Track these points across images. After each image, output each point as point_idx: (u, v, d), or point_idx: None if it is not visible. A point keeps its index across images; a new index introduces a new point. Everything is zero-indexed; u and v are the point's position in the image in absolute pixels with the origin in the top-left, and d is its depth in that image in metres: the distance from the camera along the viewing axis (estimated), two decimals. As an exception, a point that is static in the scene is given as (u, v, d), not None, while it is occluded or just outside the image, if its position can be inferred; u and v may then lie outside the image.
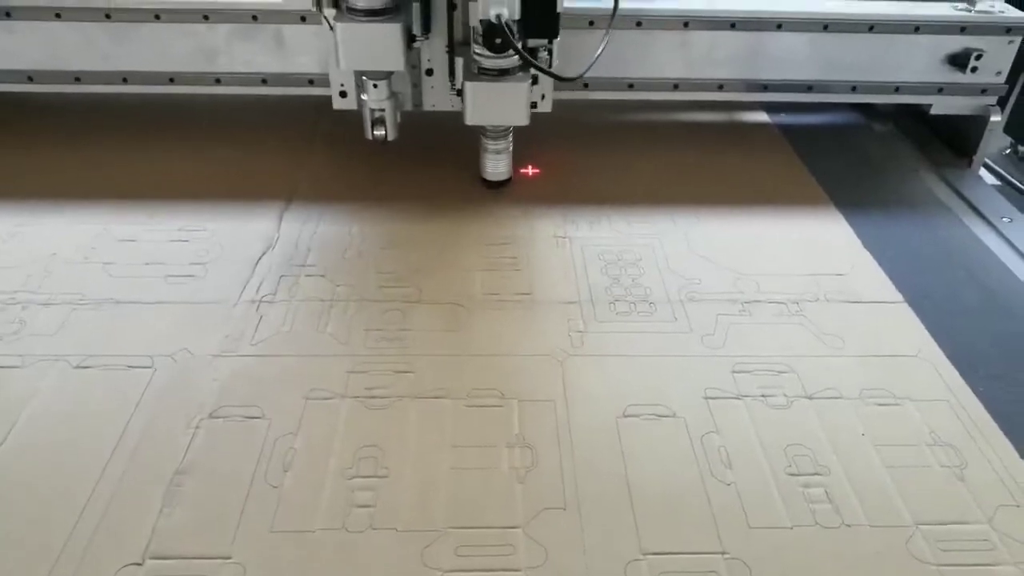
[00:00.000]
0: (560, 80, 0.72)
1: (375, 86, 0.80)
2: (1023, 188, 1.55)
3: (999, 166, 1.63)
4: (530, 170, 0.92)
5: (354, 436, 0.59)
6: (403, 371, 0.65)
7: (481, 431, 0.60)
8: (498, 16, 0.67)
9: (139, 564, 0.50)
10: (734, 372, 0.65)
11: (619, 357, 0.67)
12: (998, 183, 0.99)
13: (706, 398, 0.63)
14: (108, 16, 0.90)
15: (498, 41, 0.68)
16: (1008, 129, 1.73)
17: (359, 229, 0.83)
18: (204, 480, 0.56)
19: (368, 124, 0.83)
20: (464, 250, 0.80)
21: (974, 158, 0.99)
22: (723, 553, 0.52)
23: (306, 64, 0.93)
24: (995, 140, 0.99)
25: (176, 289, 0.73)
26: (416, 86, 0.88)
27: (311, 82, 0.94)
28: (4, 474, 0.56)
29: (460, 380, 0.64)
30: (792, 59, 0.96)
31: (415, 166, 0.93)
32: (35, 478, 0.55)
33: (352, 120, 0.90)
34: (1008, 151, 1.74)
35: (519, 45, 0.69)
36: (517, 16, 0.68)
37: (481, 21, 0.69)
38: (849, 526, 0.53)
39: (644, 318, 0.71)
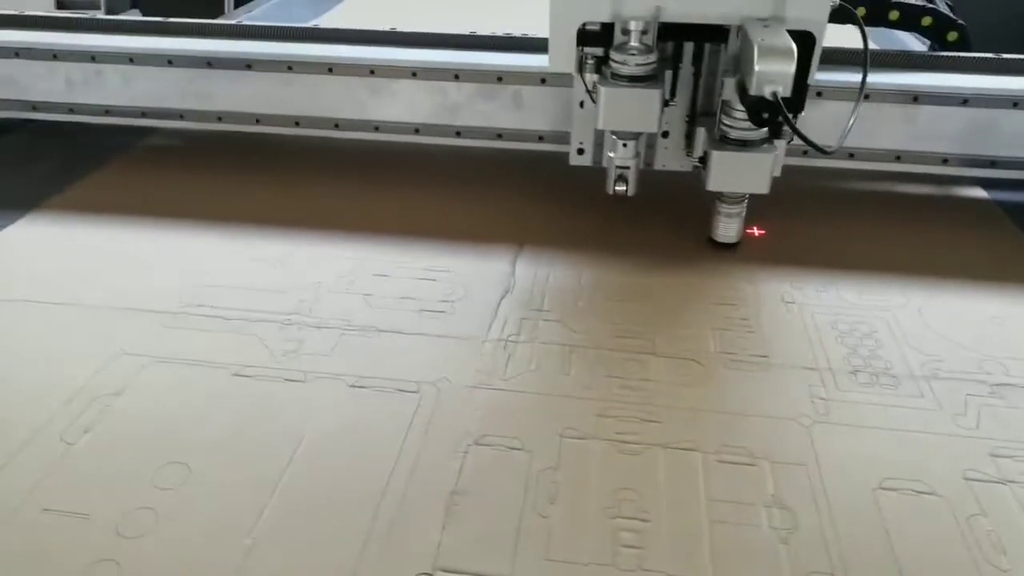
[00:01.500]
0: (821, 153, 0.74)
1: (624, 145, 0.86)
2: None
3: None
4: (755, 231, 0.94)
5: (610, 477, 0.62)
6: (649, 420, 0.68)
7: (735, 488, 0.61)
8: (774, 93, 0.70)
9: (430, 574, 0.55)
10: (993, 456, 0.64)
11: (868, 429, 0.67)
12: None
13: (967, 479, 0.62)
14: (372, 72, 1.01)
15: (766, 116, 0.71)
16: None
17: (588, 279, 0.87)
18: (479, 502, 0.60)
19: (611, 179, 0.88)
20: (693, 307, 0.82)
21: None
22: (1006, 642, 0.51)
23: (539, 122, 1.00)
24: None
25: (430, 323, 0.80)
26: (651, 146, 0.93)
27: (541, 138, 1.01)
28: (299, 483, 0.62)
29: (707, 435, 0.66)
30: (1025, 137, 0.94)
31: (640, 221, 0.97)
32: (328, 487, 0.62)
33: (578, 174, 0.96)
34: None
35: (790, 119, 0.71)
36: (789, 93, 0.71)
37: (748, 96, 0.72)
38: None
39: (889, 391, 0.71)
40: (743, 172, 0.82)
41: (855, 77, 0.92)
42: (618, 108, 0.81)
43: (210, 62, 1.05)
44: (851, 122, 0.80)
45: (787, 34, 0.73)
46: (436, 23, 1.12)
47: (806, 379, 0.72)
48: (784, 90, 0.70)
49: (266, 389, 0.72)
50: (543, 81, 0.98)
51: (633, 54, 0.79)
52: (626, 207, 0.96)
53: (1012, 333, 0.79)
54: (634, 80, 0.80)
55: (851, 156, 0.97)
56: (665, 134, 0.92)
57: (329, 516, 0.59)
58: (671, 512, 0.59)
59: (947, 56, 1.00)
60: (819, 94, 0.94)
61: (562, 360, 0.75)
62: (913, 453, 0.64)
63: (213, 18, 1.34)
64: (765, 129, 0.80)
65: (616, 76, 0.80)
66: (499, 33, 1.07)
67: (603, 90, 0.80)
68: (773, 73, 0.70)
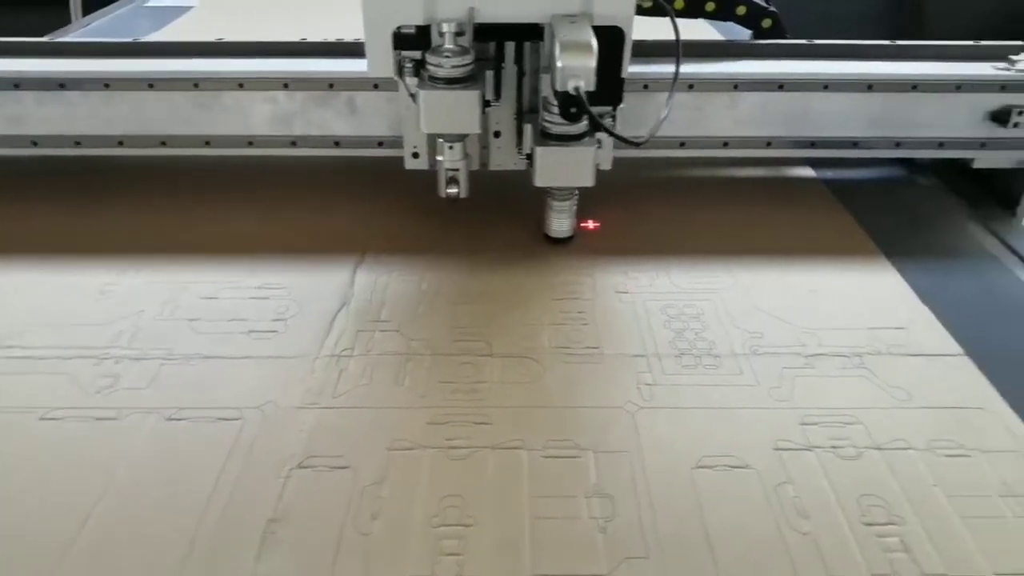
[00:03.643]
0: (629, 144, 0.76)
1: (451, 147, 0.85)
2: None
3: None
4: (591, 224, 0.96)
5: (437, 485, 0.62)
6: (480, 423, 0.68)
7: (559, 481, 0.62)
8: (576, 88, 0.71)
9: (242, 609, 0.53)
10: (803, 424, 0.67)
11: (689, 410, 0.69)
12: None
13: (777, 449, 0.64)
14: (196, 85, 0.97)
15: (573, 111, 0.72)
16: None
17: (429, 284, 0.86)
18: (298, 528, 0.58)
19: (442, 183, 0.88)
20: (531, 304, 0.83)
21: (1018, 210, 1.01)
22: (805, 603, 0.53)
23: (377, 127, 0.99)
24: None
25: (259, 344, 0.77)
26: (484, 147, 0.93)
27: (381, 144, 0.99)
28: (107, 523, 0.58)
29: (536, 431, 0.66)
30: (838, 117, 0.99)
31: (479, 222, 0.97)
32: (137, 527, 0.58)
33: (418, 179, 0.95)
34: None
35: (592, 113, 0.73)
36: (592, 87, 0.72)
37: (558, 92, 0.73)
38: (928, 575, 0.54)
39: (711, 371, 0.73)
40: (567, 167, 0.83)
41: (683, 68, 0.96)
42: (437, 111, 0.80)
43: (17, 83, 0.98)
44: (664, 114, 0.82)
45: (590, 29, 0.74)
46: (286, 32, 1.08)
47: (634, 366, 0.74)
48: (587, 84, 0.71)
49: (75, 431, 0.67)
50: (376, 86, 0.97)
51: (448, 56, 0.79)
52: (469, 208, 0.96)
53: (828, 304, 0.83)
54: (451, 82, 0.79)
55: (682, 145, 1.00)
56: (497, 134, 0.92)
57: (136, 559, 0.56)
58: (495, 514, 0.59)
59: (764, 44, 1.04)
60: (645, 87, 0.96)
61: (397, 371, 0.74)
62: (730, 429, 0.67)
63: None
64: (585, 123, 0.81)
65: (434, 79, 0.80)
66: (331, 39, 1.05)
67: (421, 94, 0.80)
68: (574, 68, 0.71)
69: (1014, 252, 0.93)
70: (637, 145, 0.76)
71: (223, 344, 0.77)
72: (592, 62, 0.71)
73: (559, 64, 0.71)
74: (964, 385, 0.72)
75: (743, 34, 1.14)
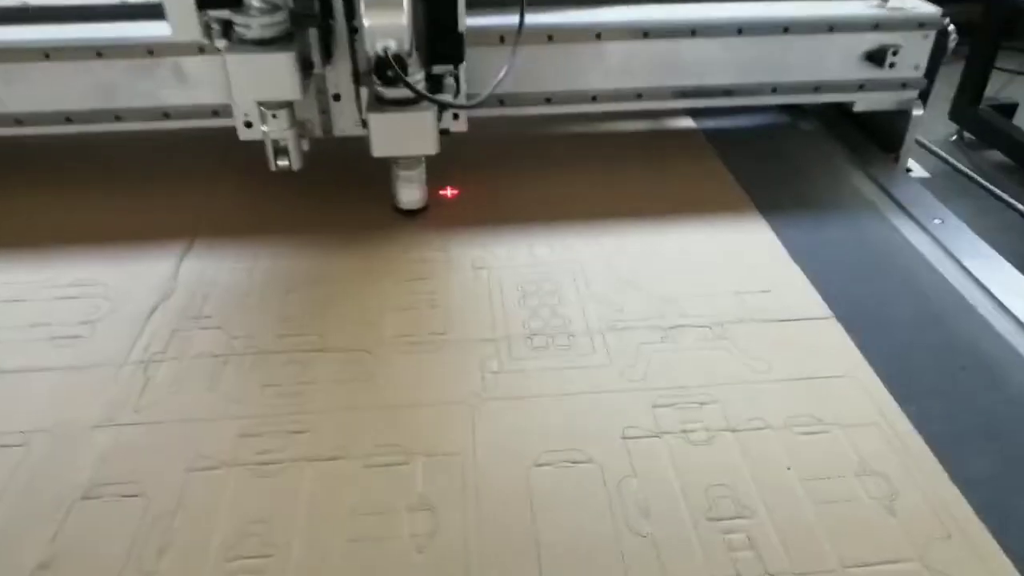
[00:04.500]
0: (458, 108, 0.68)
1: (274, 116, 0.76)
2: (968, 172, 1.55)
3: (945, 151, 1.63)
4: (448, 192, 0.88)
5: (240, 510, 0.54)
6: (298, 431, 0.60)
7: (381, 495, 0.55)
8: (385, 49, 0.63)
9: None
10: (655, 407, 0.62)
11: (533, 398, 0.62)
12: (927, 175, 0.97)
13: (624, 438, 0.59)
14: (-9, 57, 0.84)
15: (390, 74, 0.64)
16: (953, 116, 1.74)
17: (263, 270, 0.78)
18: (71, 572, 0.50)
19: (271, 155, 0.79)
20: (375, 287, 0.75)
21: (900, 152, 0.97)
22: (637, 615, 0.48)
23: (209, 95, 0.88)
24: (922, 132, 0.98)
25: (60, 353, 0.68)
26: (325, 112, 0.84)
27: (216, 113, 0.89)
28: None
29: (361, 438, 0.59)
30: (710, 64, 0.93)
31: (326, 196, 0.89)
32: None
33: (260, 152, 0.85)
34: (954, 137, 1.74)
35: (417, 75, 0.65)
36: (407, 48, 0.64)
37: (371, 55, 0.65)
38: (772, 575, 0.50)
39: (562, 352, 0.67)
40: (405, 134, 0.75)
41: (541, 19, 0.88)
42: (248, 76, 0.71)
43: None
44: (503, 73, 0.74)
45: None
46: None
47: (481, 352, 0.67)
48: (398, 45, 0.63)
49: None
50: (202, 50, 0.86)
51: (255, 15, 0.69)
52: (314, 181, 0.87)
53: (695, 268, 0.77)
54: (262, 43, 0.70)
55: (548, 101, 0.92)
56: (337, 97, 0.83)
57: None
58: (303, 540, 0.52)
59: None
60: (502, 39, 0.88)
61: (212, 375, 0.65)
62: (576, 419, 0.61)
63: None
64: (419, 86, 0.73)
65: (243, 41, 0.70)
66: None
67: (228, 57, 0.70)
68: (383, 27, 0.63)
69: (892, 198, 0.89)
70: (467, 108, 0.69)
71: (19, 355, 0.67)
72: (402, 20, 0.63)
73: (366, 24, 0.63)
74: (829, 352, 0.67)
75: None
